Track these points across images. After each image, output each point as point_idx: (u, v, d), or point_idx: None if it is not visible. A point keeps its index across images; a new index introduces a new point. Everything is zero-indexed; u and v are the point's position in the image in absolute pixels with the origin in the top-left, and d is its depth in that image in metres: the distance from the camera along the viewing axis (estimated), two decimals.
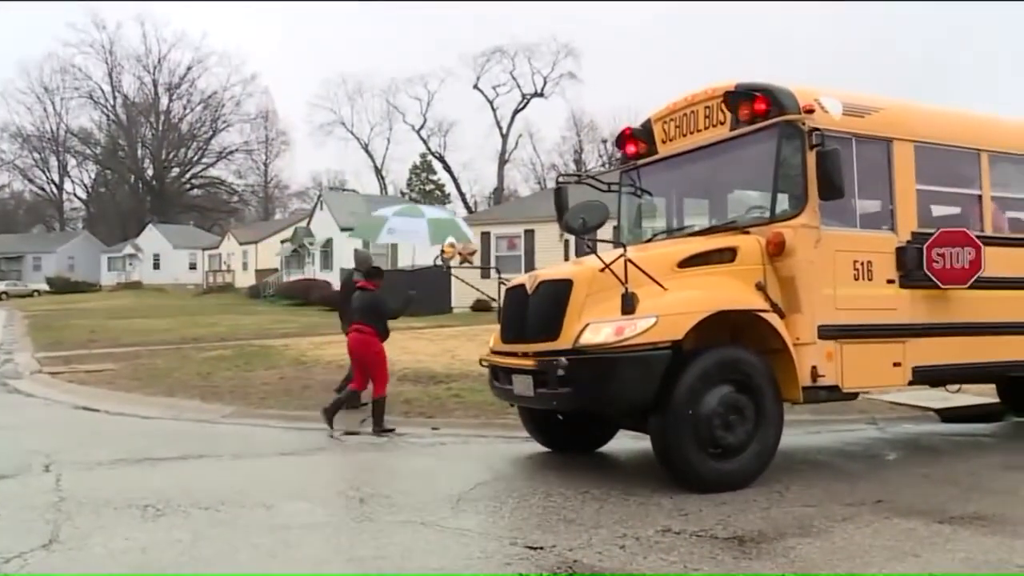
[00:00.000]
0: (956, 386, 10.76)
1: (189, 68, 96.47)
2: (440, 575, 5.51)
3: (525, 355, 8.35)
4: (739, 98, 8.57)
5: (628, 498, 7.39)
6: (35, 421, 12.99)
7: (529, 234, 35.73)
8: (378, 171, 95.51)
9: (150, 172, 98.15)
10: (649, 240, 9.86)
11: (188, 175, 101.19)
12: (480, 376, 10.94)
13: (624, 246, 7.89)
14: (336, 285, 45.10)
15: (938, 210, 10.02)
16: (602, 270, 7.78)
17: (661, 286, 7.71)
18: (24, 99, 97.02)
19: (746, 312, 7.96)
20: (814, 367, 8.11)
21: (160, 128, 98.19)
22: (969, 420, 12.01)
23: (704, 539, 6.18)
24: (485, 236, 35.32)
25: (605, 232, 8.62)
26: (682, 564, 5.63)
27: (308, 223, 59.57)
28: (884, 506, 7.12)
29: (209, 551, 6.03)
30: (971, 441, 10.80)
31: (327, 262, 53.57)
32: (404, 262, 30.00)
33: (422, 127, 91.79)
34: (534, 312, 8.32)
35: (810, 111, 8.20)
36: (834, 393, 8.40)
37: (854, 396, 9.01)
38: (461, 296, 31.43)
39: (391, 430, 11.11)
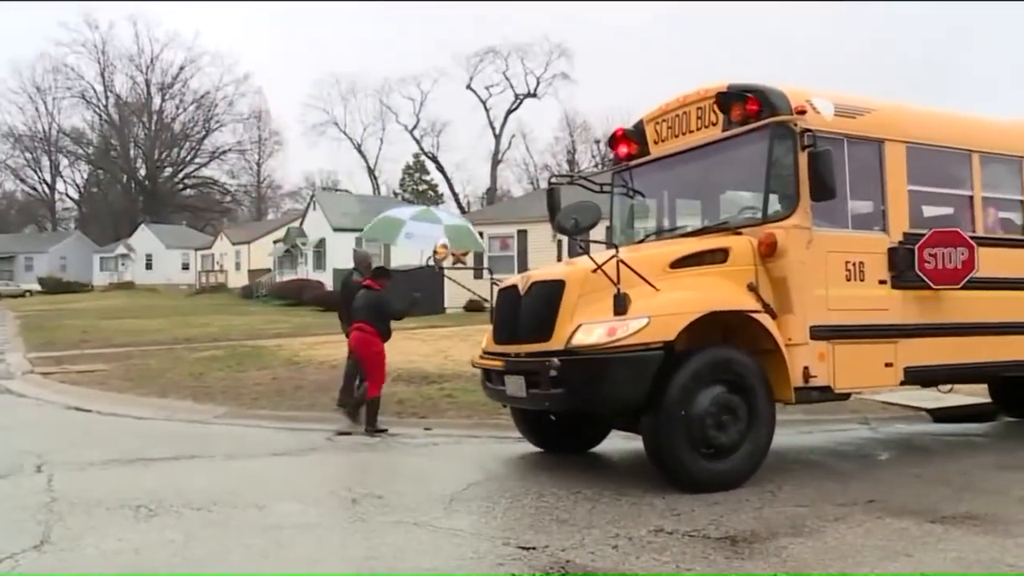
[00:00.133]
0: (948, 386, 10.80)
1: (182, 68, 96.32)
2: (432, 575, 5.51)
3: (518, 356, 8.36)
4: (731, 99, 8.58)
5: (621, 498, 7.40)
6: (27, 421, 12.96)
7: (522, 234, 35.76)
8: (371, 171, 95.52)
9: (143, 172, 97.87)
10: (641, 241, 9.87)
11: (181, 175, 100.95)
12: (473, 376, 10.94)
13: (616, 247, 7.90)
14: (329, 285, 45.26)
15: (930, 211, 10.05)
16: (594, 271, 7.78)
17: (653, 287, 7.72)
18: (16, 99, 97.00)
19: (738, 313, 7.96)
20: (806, 367, 8.12)
21: (153, 128, 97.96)
22: (961, 420, 12.04)
23: (696, 539, 6.19)
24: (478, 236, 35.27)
25: (598, 233, 8.63)
26: (674, 564, 5.63)
27: (301, 223, 59.49)
28: (876, 506, 7.13)
29: (201, 552, 6.02)
30: (963, 441, 10.82)
31: (320, 262, 53.53)
32: (396, 262, 29.94)
33: (415, 127, 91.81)
34: (526, 313, 8.32)
35: (802, 112, 8.22)
36: (826, 393, 8.42)
37: (846, 396, 9.03)
38: (454, 297, 31.44)
39: (384, 430, 11.10)
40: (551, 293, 8.09)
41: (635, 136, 9.94)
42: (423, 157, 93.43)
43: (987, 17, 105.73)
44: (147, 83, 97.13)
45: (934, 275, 8.87)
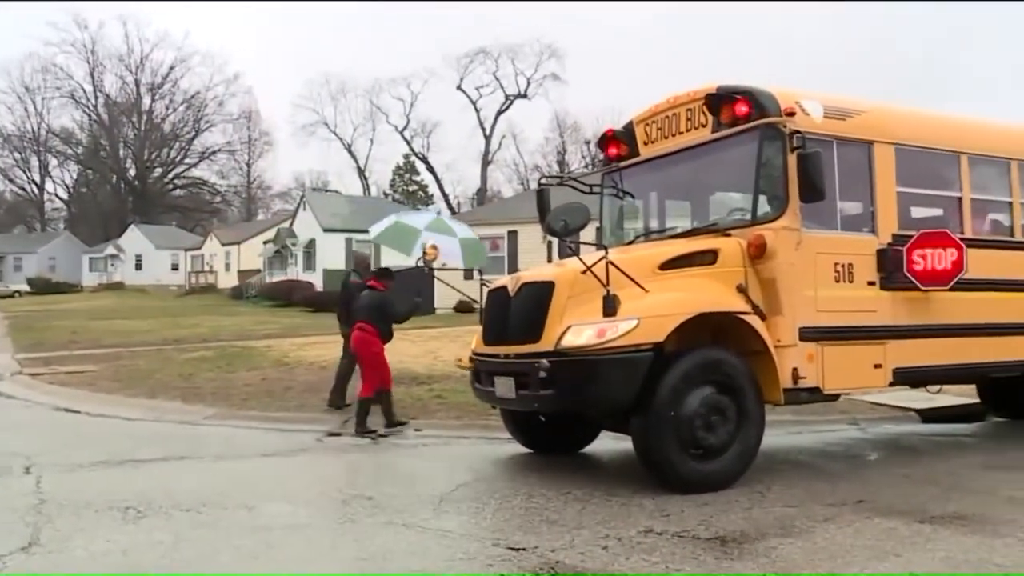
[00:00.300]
0: (937, 387, 10.83)
1: (171, 68, 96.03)
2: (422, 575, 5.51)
3: (507, 357, 8.36)
4: (720, 100, 8.59)
5: (610, 499, 7.41)
6: (15, 423, 12.92)
7: (512, 235, 35.77)
8: (361, 172, 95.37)
9: (132, 172, 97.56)
10: (631, 242, 9.88)
11: (170, 175, 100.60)
12: (462, 377, 10.94)
13: (606, 248, 7.92)
14: (319, 286, 45.24)
15: (919, 212, 10.07)
16: (584, 272, 7.79)
17: (643, 288, 7.73)
18: (5, 98, 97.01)
19: (727, 314, 7.98)
20: (795, 369, 8.14)
21: (142, 128, 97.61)
22: (949, 420, 12.09)
23: (686, 539, 6.20)
24: None
25: (587, 234, 8.64)
26: (664, 564, 5.64)
27: (291, 224, 59.39)
28: (865, 506, 7.15)
29: (191, 553, 6.01)
30: (951, 441, 10.86)
31: (310, 263, 53.47)
32: (385, 262, 29.89)
33: (405, 128, 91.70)
34: (516, 314, 8.32)
35: (791, 114, 8.24)
36: (815, 394, 8.44)
37: (835, 397, 9.05)
38: (444, 297, 31.40)
39: (373, 431, 11.09)
40: (541, 294, 8.09)
41: (625, 137, 9.95)
42: (413, 158, 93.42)
43: (987, 17, 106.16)
44: (137, 83, 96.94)
45: (923, 276, 8.90)
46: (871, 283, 8.77)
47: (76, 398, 14.83)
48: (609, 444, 9.76)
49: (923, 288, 8.94)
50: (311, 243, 53.99)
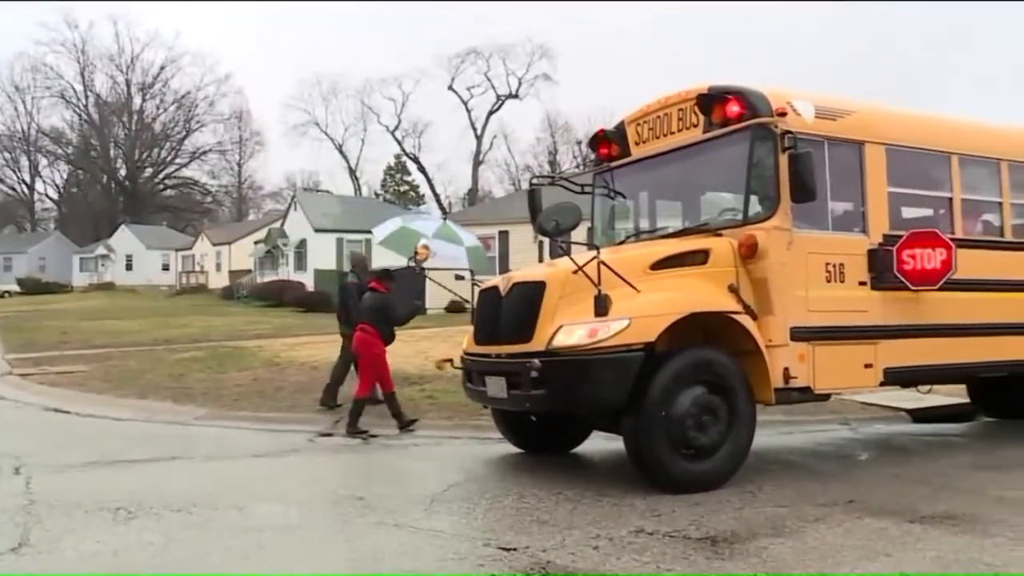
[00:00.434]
0: (927, 387, 10.86)
1: (162, 68, 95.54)
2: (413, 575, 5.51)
3: (499, 357, 8.36)
4: (712, 101, 8.60)
5: (601, 499, 7.40)
6: (5, 423, 12.88)
7: (503, 235, 35.74)
8: (352, 172, 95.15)
9: (123, 172, 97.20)
10: (622, 242, 9.89)
11: (161, 175, 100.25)
12: (454, 377, 10.93)
13: (597, 248, 7.92)
14: (310, 286, 45.12)
15: (909, 212, 10.09)
16: (575, 272, 7.80)
17: (634, 288, 7.73)
18: None
19: (718, 314, 7.99)
20: (786, 368, 8.16)
21: (133, 128, 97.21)
22: (940, 420, 12.12)
23: (677, 539, 6.20)
24: None
25: (579, 234, 8.64)
26: (655, 564, 5.64)
27: (282, 224, 59.26)
28: (856, 506, 7.16)
29: (181, 553, 6.00)
30: (942, 441, 10.89)
31: (301, 263, 53.33)
32: (377, 262, 29.86)
33: (396, 128, 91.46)
34: (507, 314, 8.32)
35: (782, 114, 8.25)
36: (806, 394, 8.46)
37: (826, 397, 9.08)
38: (435, 297, 31.36)
39: (364, 432, 11.07)
40: (532, 294, 8.09)
41: (616, 137, 9.96)
42: (404, 158, 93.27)
43: (987, 17, 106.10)
44: (127, 83, 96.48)
45: (912, 276, 8.92)
46: (862, 283, 8.79)
47: (66, 398, 14.79)
48: (600, 444, 9.77)
49: (913, 288, 8.96)
50: (302, 243, 53.88)
